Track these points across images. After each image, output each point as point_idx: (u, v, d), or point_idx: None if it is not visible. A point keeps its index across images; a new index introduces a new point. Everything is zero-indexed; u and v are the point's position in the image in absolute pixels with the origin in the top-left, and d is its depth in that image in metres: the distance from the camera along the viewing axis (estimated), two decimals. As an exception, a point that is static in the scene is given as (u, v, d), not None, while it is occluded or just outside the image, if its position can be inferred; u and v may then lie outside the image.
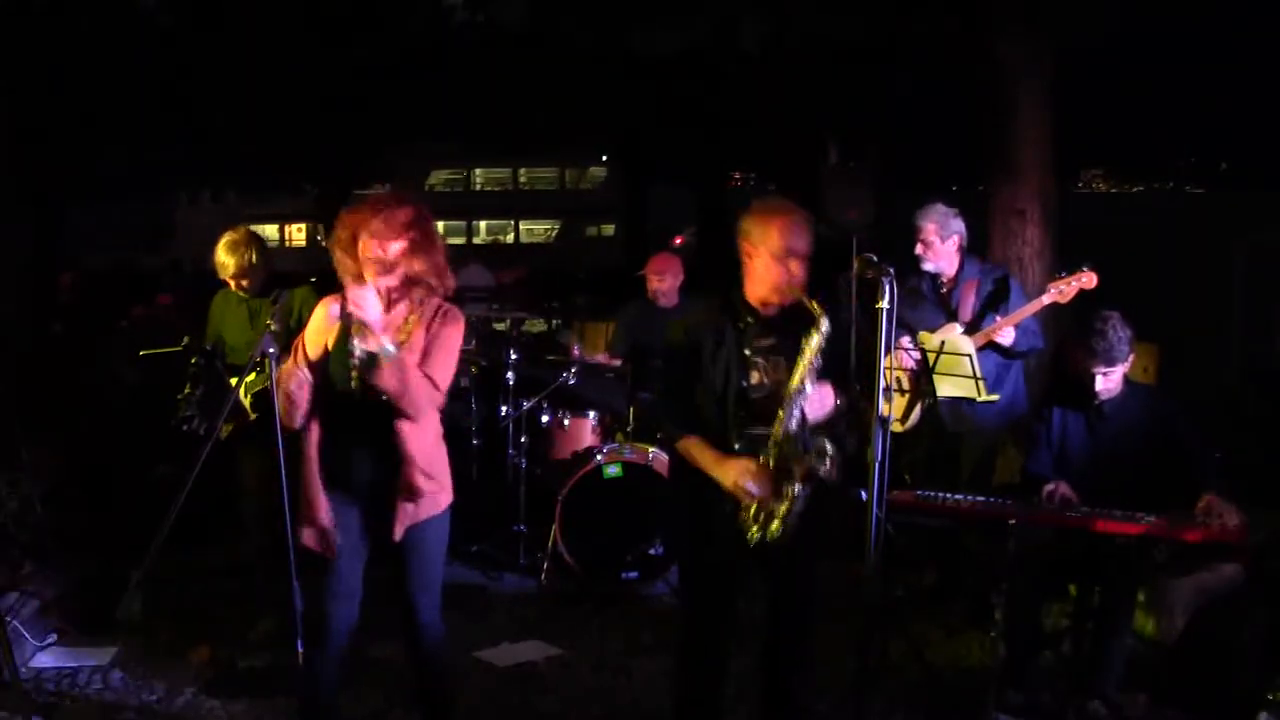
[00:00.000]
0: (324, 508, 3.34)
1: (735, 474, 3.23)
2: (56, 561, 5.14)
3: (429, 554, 3.43)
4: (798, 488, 3.24)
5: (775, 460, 3.26)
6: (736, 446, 3.32)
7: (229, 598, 5.11)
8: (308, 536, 3.37)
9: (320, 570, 3.39)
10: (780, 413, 3.26)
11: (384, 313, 3.29)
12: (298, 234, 38.30)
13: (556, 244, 39.26)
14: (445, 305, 3.42)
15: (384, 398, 3.23)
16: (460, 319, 3.43)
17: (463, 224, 39.98)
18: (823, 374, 3.27)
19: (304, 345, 3.37)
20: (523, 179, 41.63)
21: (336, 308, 3.35)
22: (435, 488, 3.40)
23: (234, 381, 4.03)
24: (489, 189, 41.75)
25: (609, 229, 33.12)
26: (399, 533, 3.34)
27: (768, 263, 3.30)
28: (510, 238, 40.90)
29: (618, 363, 6.20)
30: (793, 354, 3.32)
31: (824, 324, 3.22)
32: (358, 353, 3.24)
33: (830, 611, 4.57)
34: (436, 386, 3.30)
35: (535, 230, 41.64)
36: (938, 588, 5.25)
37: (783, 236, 3.28)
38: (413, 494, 3.32)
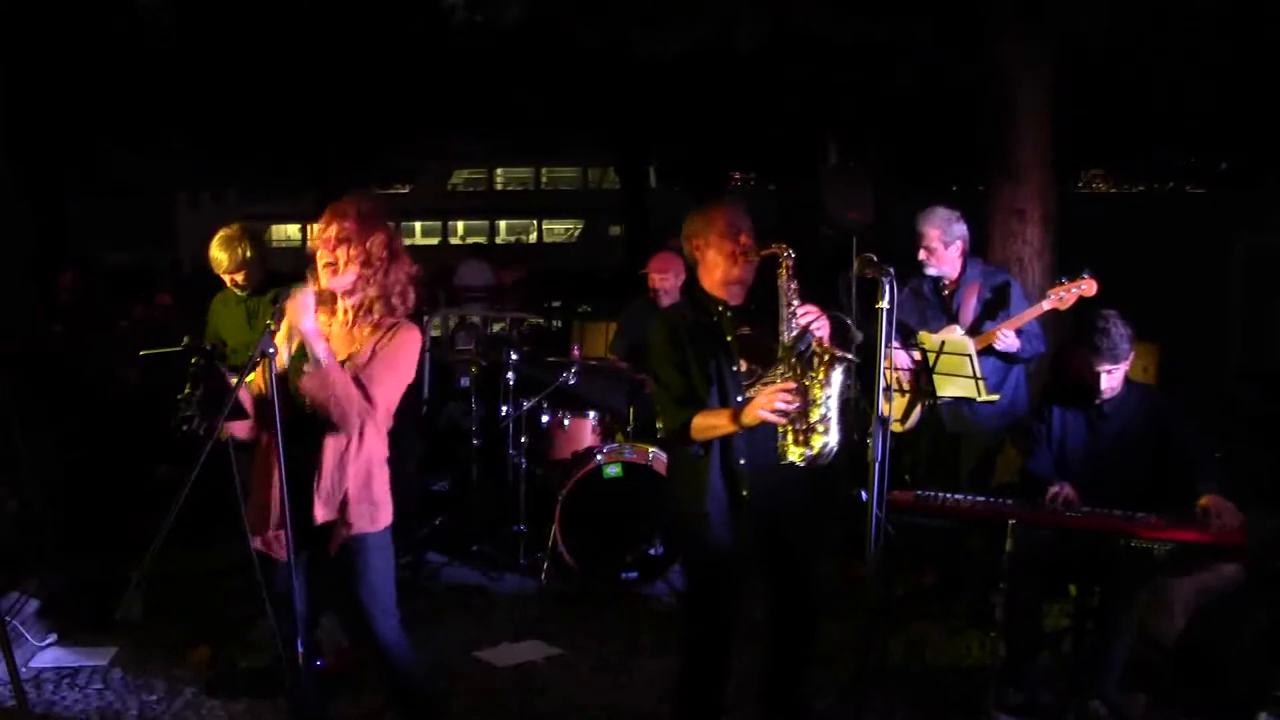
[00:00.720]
0: (274, 513, 3.28)
1: (762, 401, 3.18)
2: (56, 561, 5.14)
3: (369, 571, 3.34)
4: (826, 391, 3.18)
5: (793, 370, 3.23)
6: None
7: (229, 598, 5.11)
8: (260, 540, 3.33)
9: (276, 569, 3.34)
10: (780, 345, 3.28)
11: (345, 327, 3.30)
12: (322, 233, 37.83)
13: (579, 243, 38.88)
14: (400, 322, 3.34)
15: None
16: (413, 334, 3.35)
17: (485, 224, 39.65)
18: (806, 299, 3.30)
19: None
20: (544, 179, 41.26)
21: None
22: (362, 508, 3.32)
23: (234, 382, 4.02)
24: (511, 189, 41.36)
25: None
26: (332, 547, 3.29)
27: (719, 243, 3.41)
28: (533, 237, 40.54)
29: (624, 365, 6.20)
30: (769, 338, 3.35)
31: (788, 251, 3.30)
32: (283, 355, 3.20)
33: (830, 611, 4.58)
34: (370, 399, 3.21)
35: (556, 230, 41.24)
36: (938, 588, 5.25)
37: (725, 217, 3.42)
38: (325, 516, 3.26)
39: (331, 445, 3.26)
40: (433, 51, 15.17)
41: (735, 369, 3.38)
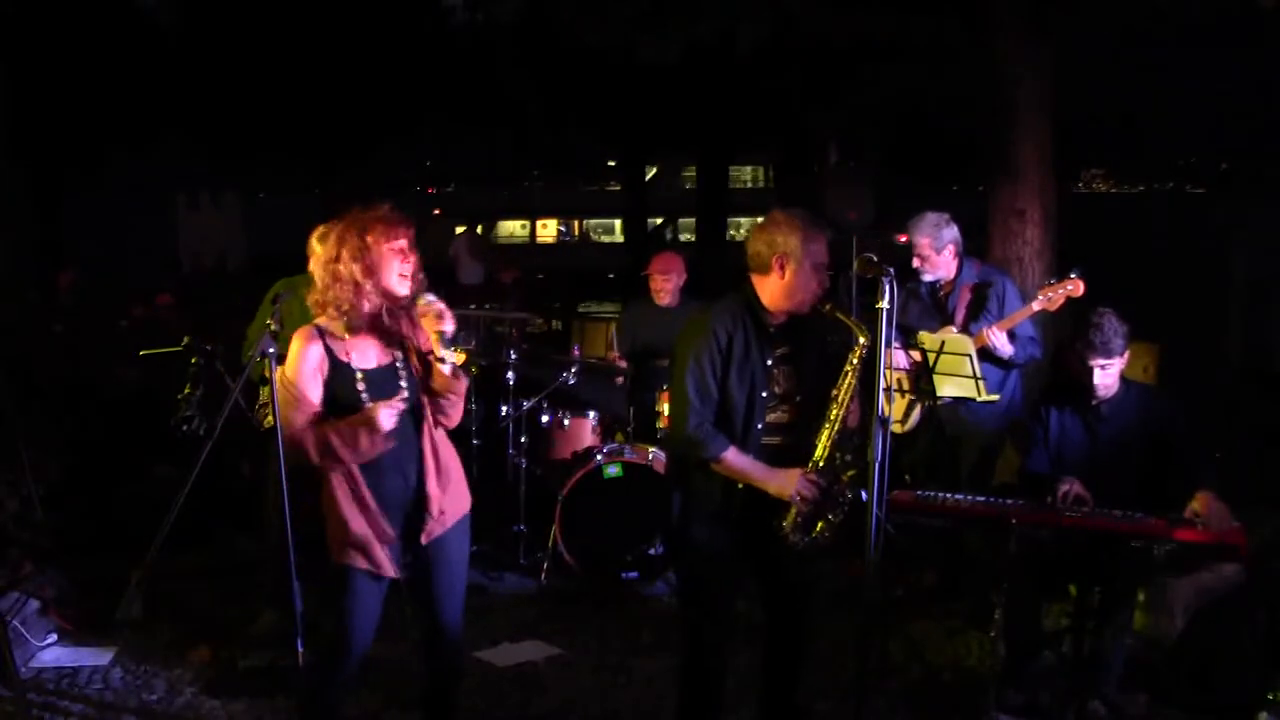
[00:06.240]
0: (382, 528, 3.26)
1: (792, 484, 3.29)
2: (56, 561, 5.14)
3: (455, 557, 3.43)
4: (847, 493, 3.32)
5: (826, 468, 3.33)
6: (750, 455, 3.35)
7: (229, 598, 5.11)
8: (360, 557, 3.24)
9: (351, 590, 3.28)
10: (827, 426, 3.33)
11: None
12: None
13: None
14: (422, 296, 3.33)
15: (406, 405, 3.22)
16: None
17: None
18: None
19: (304, 393, 3.17)
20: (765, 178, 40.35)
21: (318, 347, 3.18)
22: (462, 490, 3.45)
23: (252, 377, 4.00)
24: (734, 187, 40.21)
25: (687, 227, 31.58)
26: (426, 538, 3.33)
27: (807, 275, 3.31)
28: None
29: (623, 364, 6.19)
30: (800, 362, 3.39)
31: (865, 339, 3.29)
32: (447, 367, 3.24)
33: (830, 611, 4.59)
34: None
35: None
36: (938, 588, 5.25)
37: (822, 250, 3.34)
38: (442, 505, 3.34)
39: (440, 445, 3.34)
40: (436, 50, 15.18)
41: (765, 394, 3.36)
